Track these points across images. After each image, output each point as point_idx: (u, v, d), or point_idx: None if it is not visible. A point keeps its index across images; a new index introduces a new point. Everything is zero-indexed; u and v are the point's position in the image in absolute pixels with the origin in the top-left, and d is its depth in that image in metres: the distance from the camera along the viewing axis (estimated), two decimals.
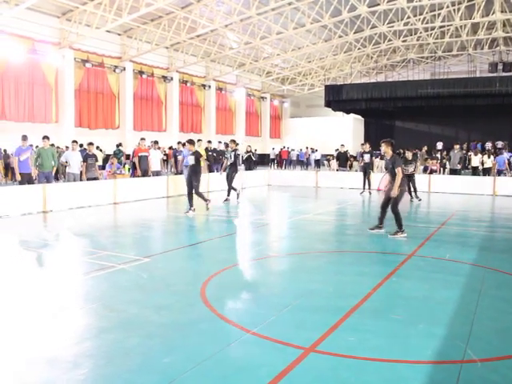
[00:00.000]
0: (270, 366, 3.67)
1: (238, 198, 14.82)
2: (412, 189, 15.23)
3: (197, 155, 12.22)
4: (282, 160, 38.29)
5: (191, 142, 12.53)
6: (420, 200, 15.37)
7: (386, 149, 9.20)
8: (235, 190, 14.75)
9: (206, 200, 12.60)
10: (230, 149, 15.39)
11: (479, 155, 23.02)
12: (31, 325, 4.60)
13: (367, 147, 17.77)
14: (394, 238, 8.94)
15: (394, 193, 8.82)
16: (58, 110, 25.11)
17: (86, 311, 4.97)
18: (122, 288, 5.76)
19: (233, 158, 14.61)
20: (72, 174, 13.84)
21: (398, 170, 8.83)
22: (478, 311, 4.97)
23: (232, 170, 14.66)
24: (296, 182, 21.34)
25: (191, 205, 12.11)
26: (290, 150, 39.31)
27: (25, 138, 13.02)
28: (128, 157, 24.67)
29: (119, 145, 23.66)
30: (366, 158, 17.49)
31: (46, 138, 13.19)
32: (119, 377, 3.53)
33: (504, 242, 9.24)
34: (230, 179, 14.68)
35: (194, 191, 12.14)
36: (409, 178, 14.20)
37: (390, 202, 9.11)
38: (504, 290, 5.81)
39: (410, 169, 14.63)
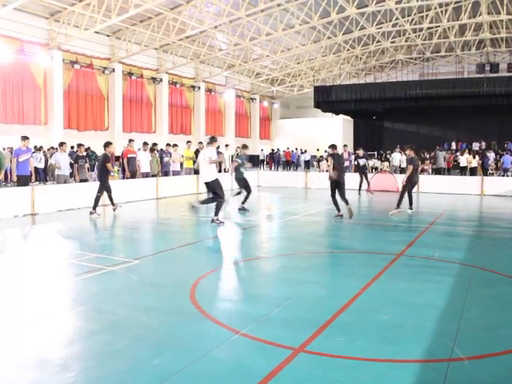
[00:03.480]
0: (260, 367, 3.68)
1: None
2: (365, 181, 17.94)
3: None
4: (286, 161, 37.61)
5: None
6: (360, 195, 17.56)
7: (409, 152, 12.80)
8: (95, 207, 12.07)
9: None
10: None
11: (466, 155, 23.28)
12: (20, 327, 4.57)
13: (361, 152, 18.34)
14: (392, 213, 12.13)
15: (404, 181, 12.37)
16: (46, 112, 24.96)
17: (76, 313, 4.95)
18: (112, 290, 5.74)
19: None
20: (62, 175, 13.74)
21: (409, 167, 12.26)
22: (466, 310, 5.02)
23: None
24: (285, 183, 21.39)
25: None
26: (276, 150, 39.15)
27: (24, 138, 12.67)
28: (117, 158, 24.57)
29: (88, 148, 23.60)
30: (361, 162, 18.16)
31: None
32: (109, 379, 3.53)
33: (491, 241, 9.33)
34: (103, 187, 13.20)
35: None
36: (360, 170, 18.06)
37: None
38: (491, 289, 5.87)
39: (361, 162, 17.95)
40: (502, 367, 3.75)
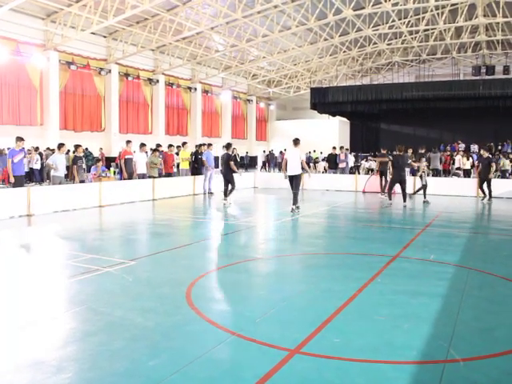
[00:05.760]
0: (256, 368, 3.68)
1: None
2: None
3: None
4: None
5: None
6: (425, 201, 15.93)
7: (483, 153, 15.84)
8: None
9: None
10: None
11: (458, 156, 23.42)
12: (15, 328, 4.55)
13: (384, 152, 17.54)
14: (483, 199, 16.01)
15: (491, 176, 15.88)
16: (42, 113, 24.92)
17: (71, 314, 4.93)
18: (107, 291, 5.73)
19: None
20: (58, 177, 13.68)
21: (492, 164, 15.73)
22: (462, 311, 5.03)
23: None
24: (282, 185, 21.29)
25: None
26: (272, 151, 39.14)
27: (19, 139, 12.64)
28: (114, 159, 24.57)
29: (85, 149, 23.52)
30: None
31: None
32: (104, 380, 3.52)
33: (487, 243, 9.36)
34: (233, 181, 14.92)
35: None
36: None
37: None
38: (487, 291, 5.89)
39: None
40: (498, 369, 3.76)
